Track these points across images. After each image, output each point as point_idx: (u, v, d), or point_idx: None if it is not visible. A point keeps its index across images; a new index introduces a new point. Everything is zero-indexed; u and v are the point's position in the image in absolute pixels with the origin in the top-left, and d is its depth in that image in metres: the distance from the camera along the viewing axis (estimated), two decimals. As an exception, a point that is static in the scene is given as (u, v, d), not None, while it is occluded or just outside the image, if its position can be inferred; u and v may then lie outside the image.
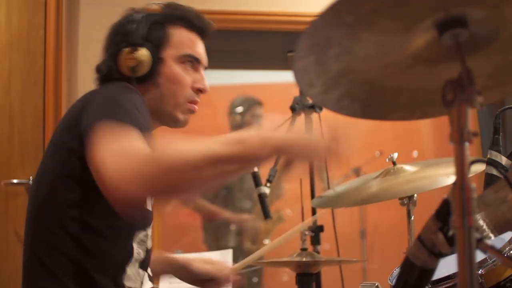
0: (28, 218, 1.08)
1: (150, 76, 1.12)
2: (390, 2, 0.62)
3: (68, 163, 1.01)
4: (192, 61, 1.17)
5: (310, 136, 0.89)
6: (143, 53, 1.11)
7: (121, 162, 0.83)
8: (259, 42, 3.01)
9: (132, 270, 1.07)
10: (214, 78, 3.56)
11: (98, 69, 1.17)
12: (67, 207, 1.01)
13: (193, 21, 1.18)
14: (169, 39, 1.15)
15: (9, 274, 2.09)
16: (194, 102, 1.17)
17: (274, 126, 0.88)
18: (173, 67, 1.15)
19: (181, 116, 1.16)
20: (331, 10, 0.61)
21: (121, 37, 1.14)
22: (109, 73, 1.14)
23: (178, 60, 1.15)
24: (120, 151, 0.85)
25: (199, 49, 1.19)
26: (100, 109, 0.98)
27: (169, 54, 1.15)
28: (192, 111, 1.17)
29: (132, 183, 0.81)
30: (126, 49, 1.12)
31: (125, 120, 0.93)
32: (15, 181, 2.11)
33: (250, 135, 0.85)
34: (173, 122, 1.17)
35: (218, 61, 3.26)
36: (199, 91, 1.18)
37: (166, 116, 1.16)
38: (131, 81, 1.11)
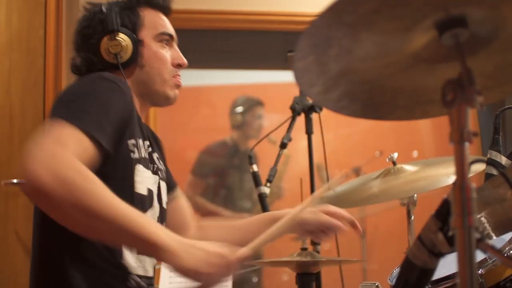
0: (38, 224, 1.05)
1: (133, 59, 1.15)
2: (390, 2, 0.62)
3: None
4: (167, 39, 1.21)
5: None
6: (124, 37, 1.14)
7: (44, 162, 0.85)
8: (259, 42, 3.01)
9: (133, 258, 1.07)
10: (214, 78, 3.57)
11: (77, 68, 1.17)
12: None
13: (158, 1, 1.21)
14: (142, 21, 1.18)
15: (9, 274, 2.09)
16: (178, 76, 1.21)
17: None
18: (153, 47, 1.18)
19: (170, 92, 1.20)
20: (331, 10, 0.61)
21: (94, 28, 1.15)
22: (90, 67, 1.15)
23: (155, 39, 1.19)
24: (48, 153, 0.87)
25: (170, 26, 1.23)
26: (57, 104, 1.01)
27: (146, 35, 1.18)
28: (178, 86, 1.21)
29: (49, 182, 0.83)
30: (106, 37, 1.14)
31: (72, 121, 0.92)
32: (15, 181, 2.11)
33: (157, 228, 0.88)
34: (165, 100, 1.20)
35: (218, 61, 3.28)
36: (179, 66, 1.22)
37: (156, 95, 1.19)
38: (117, 68, 1.13)
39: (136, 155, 1.07)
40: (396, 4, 0.62)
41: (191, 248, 0.88)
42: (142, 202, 1.07)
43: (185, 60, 1.22)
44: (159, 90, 1.18)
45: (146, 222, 0.90)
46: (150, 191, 1.11)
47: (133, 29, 1.16)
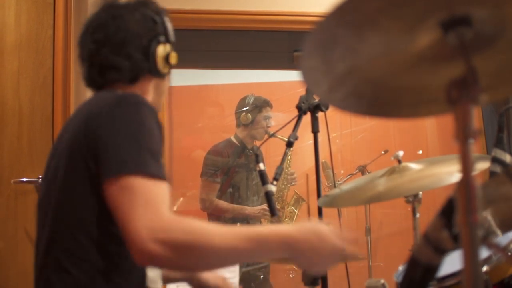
0: (45, 223, 1.03)
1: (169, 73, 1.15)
2: (394, 1, 0.62)
3: (83, 175, 0.98)
4: None
5: (325, 243, 0.95)
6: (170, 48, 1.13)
7: (155, 231, 0.85)
8: (264, 41, 3.02)
9: (153, 272, 1.07)
10: (221, 77, 3.58)
11: (126, 68, 1.07)
12: (88, 214, 0.97)
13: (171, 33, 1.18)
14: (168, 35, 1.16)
15: (18, 272, 2.11)
16: None
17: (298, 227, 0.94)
18: None
19: None
20: (336, 10, 0.62)
21: (150, 30, 1.08)
22: (138, 72, 1.08)
23: None
24: (153, 218, 0.85)
25: None
26: (124, 154, 0.91)
27: None
28: None
29: (161, 252, 0.84)
30: (165, 45, 1.10)
31: (152, 171, 0.90)
32: (24, 179, 2.13)
33: (273, 236, 0.91)
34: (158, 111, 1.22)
35: (224, 60, 3.28)
36: None
37: (158, 106, 1.17)
38: (158, 76, 1.11)
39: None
40: (401, 4, 0.63)
41: (313, 249, 0.93)
42: None
43: None
44: (159, 103, 1.17)
45: (264, 239, 0.91)
46: None
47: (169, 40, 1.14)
